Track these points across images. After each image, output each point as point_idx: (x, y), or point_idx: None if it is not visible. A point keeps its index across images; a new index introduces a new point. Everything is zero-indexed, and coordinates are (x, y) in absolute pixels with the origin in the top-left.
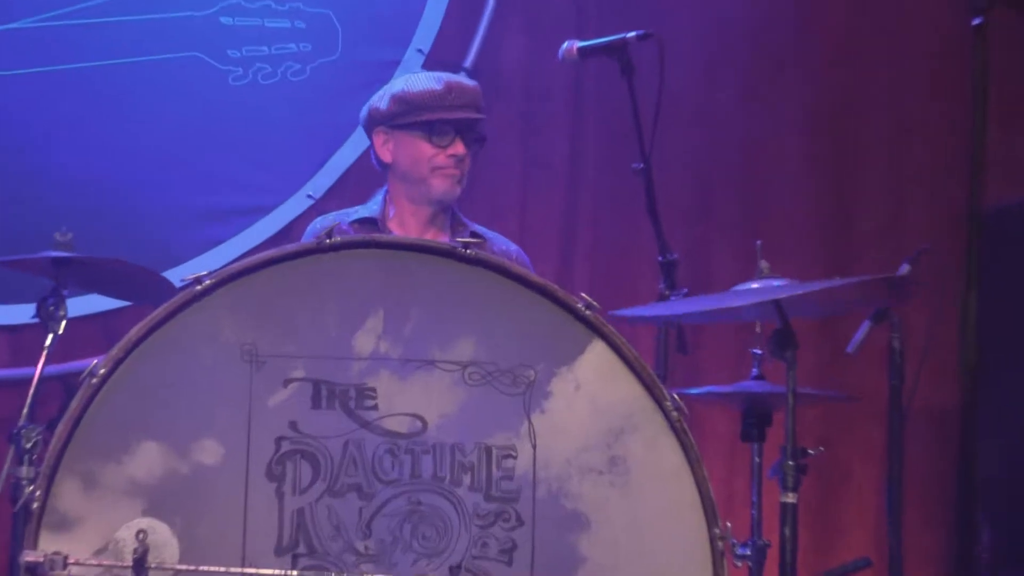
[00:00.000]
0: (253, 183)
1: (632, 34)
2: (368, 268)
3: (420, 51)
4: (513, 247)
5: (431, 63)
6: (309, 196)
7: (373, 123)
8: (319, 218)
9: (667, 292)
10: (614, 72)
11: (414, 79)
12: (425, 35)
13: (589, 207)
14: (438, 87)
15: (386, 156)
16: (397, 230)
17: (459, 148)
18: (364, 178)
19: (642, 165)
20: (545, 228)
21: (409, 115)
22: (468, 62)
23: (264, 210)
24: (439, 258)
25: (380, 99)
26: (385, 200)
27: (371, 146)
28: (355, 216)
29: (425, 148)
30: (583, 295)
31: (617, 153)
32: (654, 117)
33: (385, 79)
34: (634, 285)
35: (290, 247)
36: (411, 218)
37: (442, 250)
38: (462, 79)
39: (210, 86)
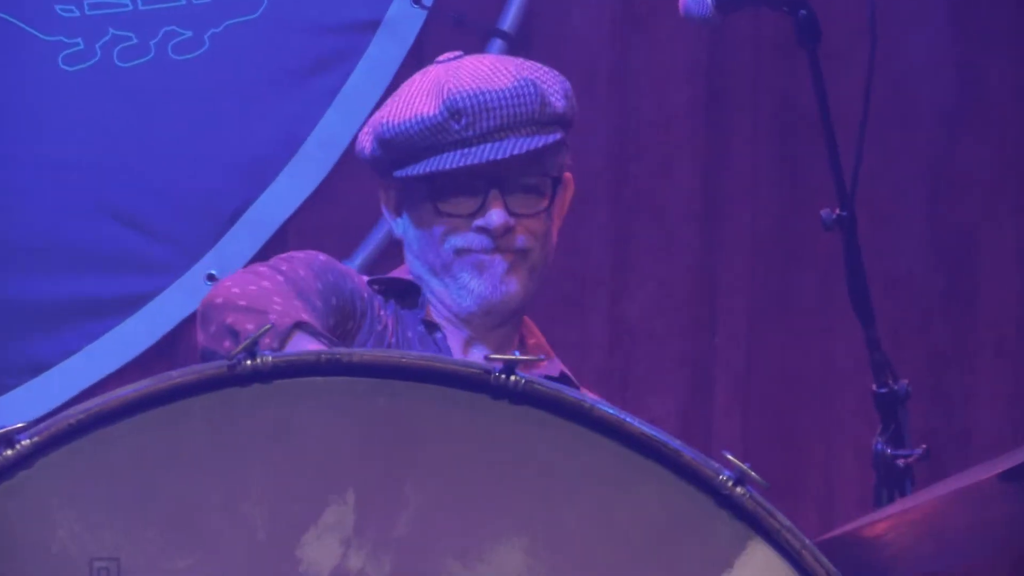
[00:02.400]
0: (117, 249)
1: None
2: (327, 413)
3: (416, 2)
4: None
5: (439, 25)
6: (210, 278)
7: (372, 170)
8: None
9: (881, 390)
10: (781, 40)
11: (404, 89)
12: None
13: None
14: (435, 108)
15: (397, 229)
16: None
17: (496, 213)
18: (319, 244)
19: (841, 212)
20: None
21: (396, 163)
22: (506, 22)
23: (132, 301)
24: (457, 392)
25: (366, 129)
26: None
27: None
28: (388, 274)
29: (438, 222)
30: (728, 456)
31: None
32: (861, 124)
33: (352, 55)
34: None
35: (179, 375)
36: (448, 327)
37: (461, 376)
38: (488, 80)
39: (26, 70)
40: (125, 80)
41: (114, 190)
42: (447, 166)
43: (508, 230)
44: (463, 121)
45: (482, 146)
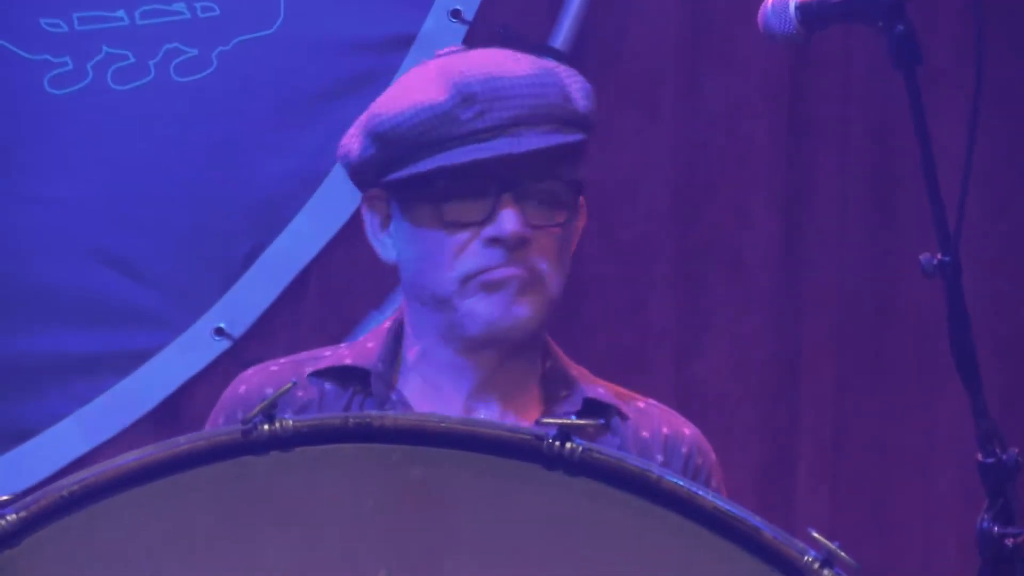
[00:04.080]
0: (112, 299)
1: None
2: (355, 486)
3: (455, 15)
4: (686, 432)
5: (481, 41)
6: (219, 332)
7: (358, 183)
8: (249, 372)
9: (988, 460)
10: (876, 61)
11: (405, 79)
12: None
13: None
14: (443, 94)
15: (387, 251)
16: (421, 398)
17: (509, 217)
18: (345, 291)
19: (944, 258)
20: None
21: (389, 164)
22: (559, 38)
23: (129, 358)
24: (504, 461)
25: (351, 133)
26: (397, 331)
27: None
28: (324, 363)
29: (441, 233)
30: (814, 534)
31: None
32: (967, 157)
33: (383, 76)
34: None
35: (187, 441)
36: (448, 377)
37: (508, 443)
38: (501, 66)
39: (6, 93)
40: (121, 105)
41: (107, 232)
42: (457, 160)
43: (523, 242)
44: (474, 109)
45: (497, 140)
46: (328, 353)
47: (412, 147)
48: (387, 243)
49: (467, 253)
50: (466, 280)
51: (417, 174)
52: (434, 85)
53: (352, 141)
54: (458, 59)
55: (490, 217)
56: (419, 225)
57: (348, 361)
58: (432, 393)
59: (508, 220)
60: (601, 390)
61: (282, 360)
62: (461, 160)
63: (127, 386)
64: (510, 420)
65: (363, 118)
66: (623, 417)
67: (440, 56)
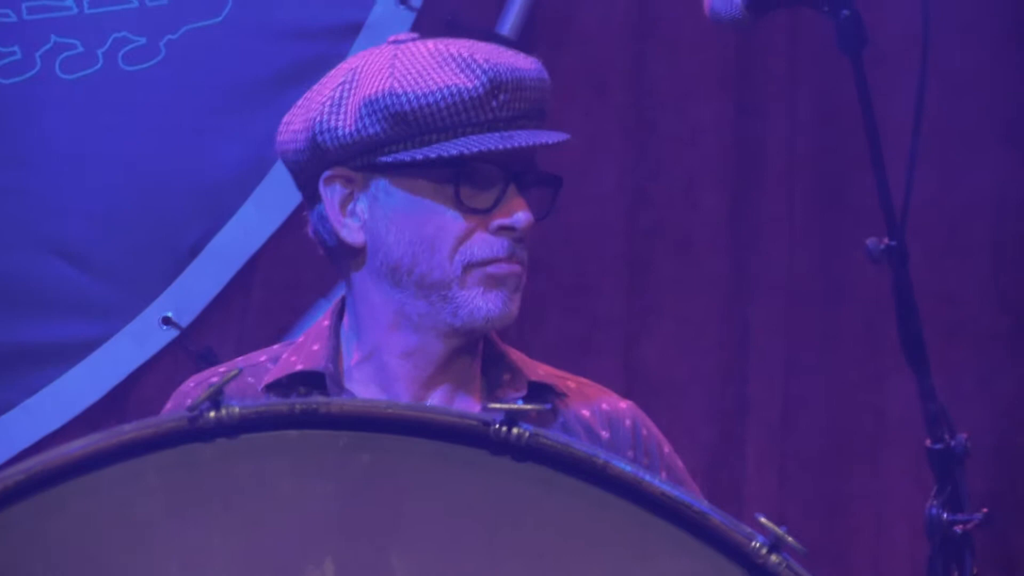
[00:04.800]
0: (59, 288)
1: None
2: (302, 472)
3: (403, 2)
4: (623, 406)
5: (429, 27)
6: (166, 321)
7: (320, 162)
8: (195, 378)
9: (936, 446)
10: (821, 45)
11: (417, 59)
12: None
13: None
14: (475, 79)
15: (352, 234)
16: (367, 392)
17: (521, 208)
18: (293, 280)
19: (890, 242)
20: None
21: (414, 143)
22: (507, 24)
23: (76, 348)
24: (452, 447)
25: (336, 110)
26: (337, 330)
27: (313, 210)
28: (274, 374)
29: (449, 216)
30: (762, 520)
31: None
32: (913, 141)
33: (331, 63)
34: None
35: (133, 428)
36: (404, 366)
37: (455, 429)
38: (514, 56)
39: None
40: (69, 93)
41: (55, 221)
42: (494, 147)
43: (525, 232)
44: (501, 98)
45: (517, 131)
46: (264, 358)
47: (433, 129)
48: (351, 224)
49: (474, 240)
50: (469, 267)
51: (441, 157)
52: (461, 70)
53: (338, 115)
54: (469, 45)
55: (497, 206)
56: (417, 208)
57: (299, 367)
58: (383, 386)
59: (521, 211)
60: (540, 371)
61: (221, 369)
62: (503, 145)
63: (74, 376)
64: (458, 406)
65: (363, 88)
66: (561, 396)
67: (402, 43)
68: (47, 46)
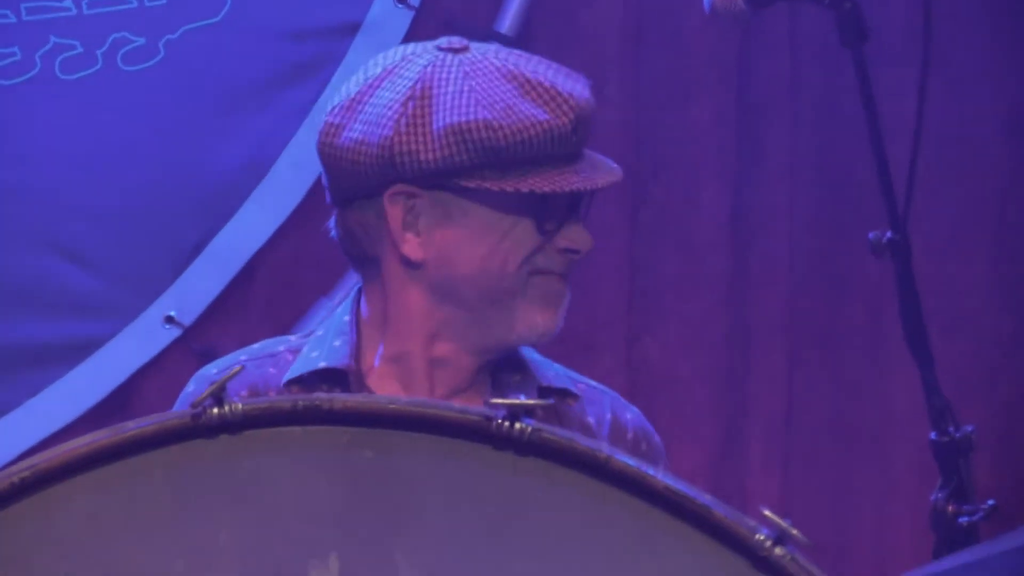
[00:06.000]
0: (61, 287)
1: None
2: (305, 468)
3: (401, 1)
4: (629, 414)
5: (428, 27)
6: (169, 321)
7: (387, 178)
8: (216, 363)
9: (941, 438)
10: (823, 39)
11: (493, 82)
12: None
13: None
14: (564, 116)
15: (414, 249)
16: (389, 392)
17: (583, 232)
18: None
19: (893, 236)
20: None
21: (501, 172)
22: (505, 22)
23: (78, 347)
24: (454, 442)
25: (415, 132)
26: (358, 325)
27: (348, 213)
28: (297, 370)
29: (526, 236)
30: (766, 512)
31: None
32: (915, 135)
33: (330, 63)
34: None
35: (136, 425)
36: (433, 373)
37: (458, 424)
38: (575, 80)
39: None
40: (69, 94)
41: (57, 221)
42: (580, 187)
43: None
44: (581, 132)
45: (582, 162)
46: (283, 348)
47: (522, 161)
48: (412, 239)
49: (541, 254)
50: (534, 275)
51: (533, 192)
52: (546, 102)
53: (415, 141)
54: (531, 63)
55: (559, 228)
56: (495, 229)
57: (322, 364)
58: (407, 388)
59: (584, 234)
60: (551, 373)
61: (243, 357)
62: (583, 187)
63: (77, 376)
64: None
65: (442, 119)
66: (574, 397)
67: (454, 50)
68: (46, 47)
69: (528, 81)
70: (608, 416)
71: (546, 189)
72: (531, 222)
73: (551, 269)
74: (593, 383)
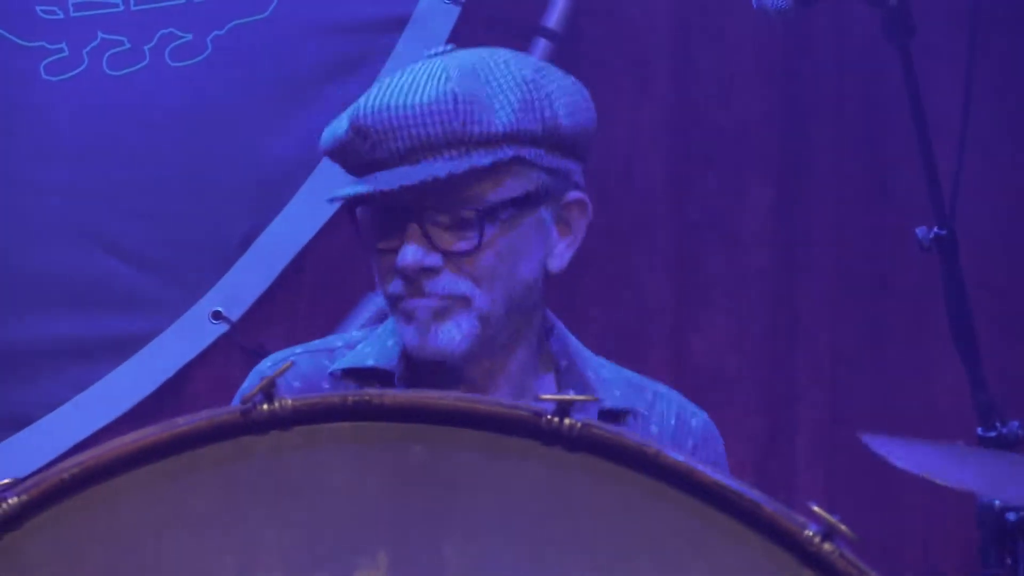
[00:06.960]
0: (108, 284)
1: None
2: (355, 464)
3: None
4: (693, 424)
5: (476, 22)
6: (216, 316)
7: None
8: (271, 358)
9: (988, 434)
10: (870, 35)
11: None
12: None
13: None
14: (343, 126)
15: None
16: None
17: (409, 250)
18: (341, 274)
19: (939, 231)
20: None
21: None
22: (552, 17)
23: (126, 343)
24: (503, 438)
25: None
26: None
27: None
28: (346, 363)
29: (373, 254)
30: (814, 508)
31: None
32: (962, 130)
33: (377, 58)
34: None
35: (187, 421)
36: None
37: (507, 420)
38: (414, 90)
39: (3, 80)
40: (116, 90)
41: (103, 216)
42: (347, 193)
43: (425, 272)
44: (368, 142)
45: (396, 169)
46: (340, 344)
47: (345, 169)
48: None
49: (390, 276)
50: (392, 302)
51: (335, 199)
52: (346, 116)
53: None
54: (373, 89)
55: (399, 247)
56: (369, 245)
57: (370, 362)
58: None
59: (407, 252)
60: (617, 393)
61: (298, 350)
62: (347, 192)
63: (125, 371)
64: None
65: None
66: (635, 416)
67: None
68: (94, 43)
69: (367, 101)
70: (672, 422)
71: (336, 195)
72: (368, 237)
73: (398, 294)
74: (661, 388)
